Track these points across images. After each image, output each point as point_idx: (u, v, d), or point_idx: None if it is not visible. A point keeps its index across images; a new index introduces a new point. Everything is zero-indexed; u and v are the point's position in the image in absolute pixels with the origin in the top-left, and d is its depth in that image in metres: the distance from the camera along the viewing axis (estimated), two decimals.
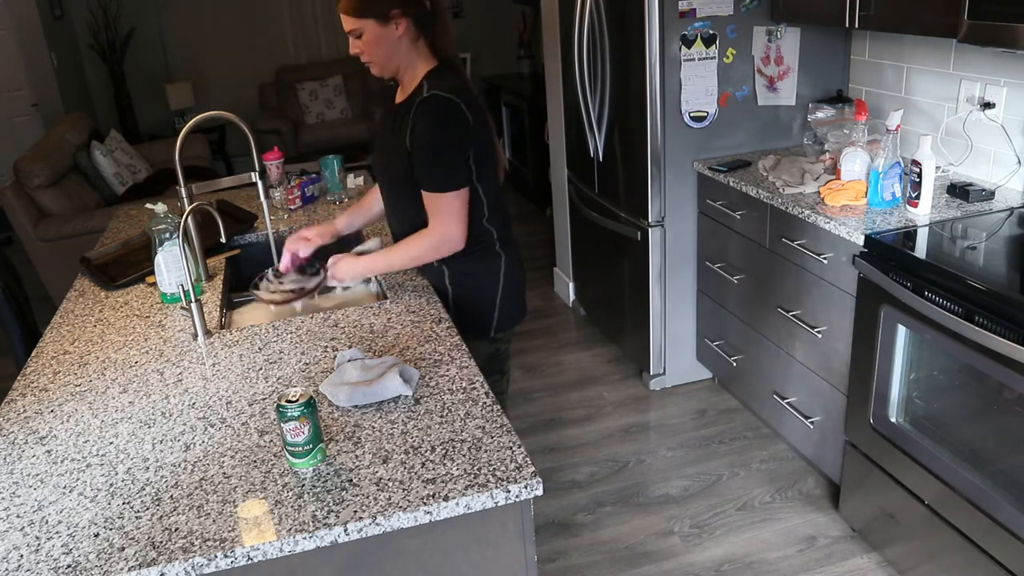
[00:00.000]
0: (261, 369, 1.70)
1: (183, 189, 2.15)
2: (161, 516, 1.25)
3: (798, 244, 2.52)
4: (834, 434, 2.52)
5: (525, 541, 1.33)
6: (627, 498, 2.73)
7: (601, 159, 3.42)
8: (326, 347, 1.77)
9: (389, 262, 1.99)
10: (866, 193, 2.42)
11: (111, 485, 1.34)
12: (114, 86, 6.89)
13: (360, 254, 2.05)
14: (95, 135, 5.04)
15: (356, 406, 1.51)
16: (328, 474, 1.32)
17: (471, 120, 1.83)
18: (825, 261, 2.40)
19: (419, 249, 1.92)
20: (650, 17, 2.82)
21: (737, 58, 2.94)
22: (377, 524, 1.21)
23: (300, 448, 1.32)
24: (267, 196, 2.28)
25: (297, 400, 1.31)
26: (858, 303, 2.27)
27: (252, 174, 2.21)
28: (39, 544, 1.21)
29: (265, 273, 2.12)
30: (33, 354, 1.86)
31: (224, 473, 1.35)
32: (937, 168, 2.54)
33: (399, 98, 1.95)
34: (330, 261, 2.03)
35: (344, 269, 2.01)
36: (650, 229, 3.11)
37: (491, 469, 1.30)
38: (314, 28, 7.31)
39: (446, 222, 1.86)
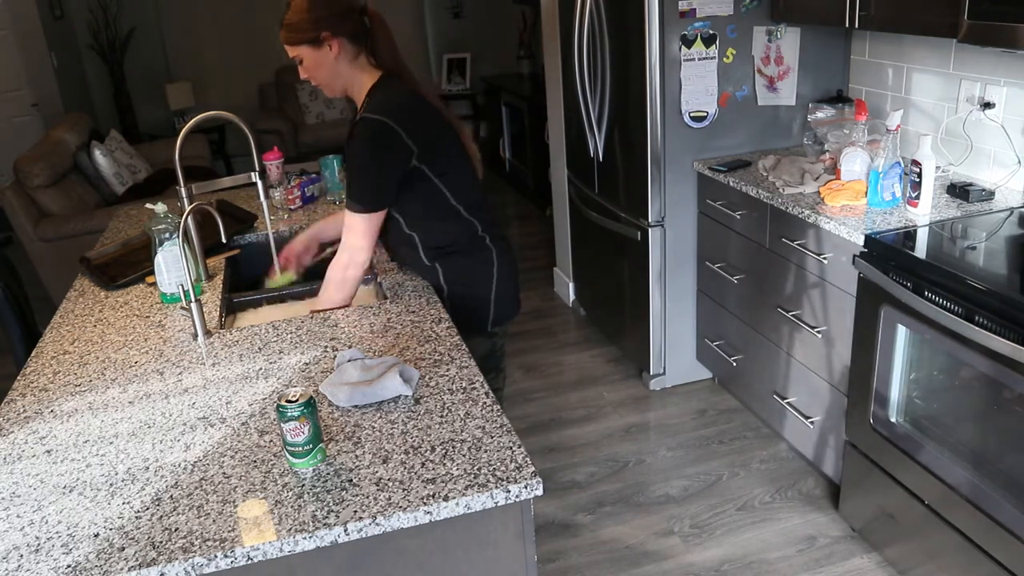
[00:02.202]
0: (261, 369, 1.70)
1: (183, 189, 2.15)
2: (161, 516, 1.25)
3: (798, 244, 2.52)
4: (834, 434, 2.52)
5: (525, 541, 1.33)
6: (627, 498, 2.73)
7: (601, 159, 3.42)
8: (326, 347, 1.77)
9: (328, 300, 1.97)
10: (866, 193, 2.42)
11: (111, 485, 1.34)
12: (114, 86, 6.89)
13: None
14: (95, 135, 5.04)
15: (356, 406, 1.51)
16: (328, 474, 1.32)
17: (406, 139, 1.83)
18: (825, 261, 2.40)
19: (333, 272, 1.94)
20: (650, 17, 2.82)
21: (737, 58, 2.94)
22: (377, 524, 1.21)
23: (300, 448, 1.32)
24: (267, 196, 2.28)
25: (297, 400, 1.31)
26: (858, 303, 2.27)
27: (252, 174, 2.21)
28: (39, 544, 1.21)
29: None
30: (33, 354, 1.86)
31: (224, 473, 1.35)
32: (937, 168, 2.54)
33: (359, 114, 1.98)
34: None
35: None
36: (650, 229, 3.11)
37: (491, 469, 1.30)
38: None
39: (354, 240, 1.90)
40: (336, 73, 1.90)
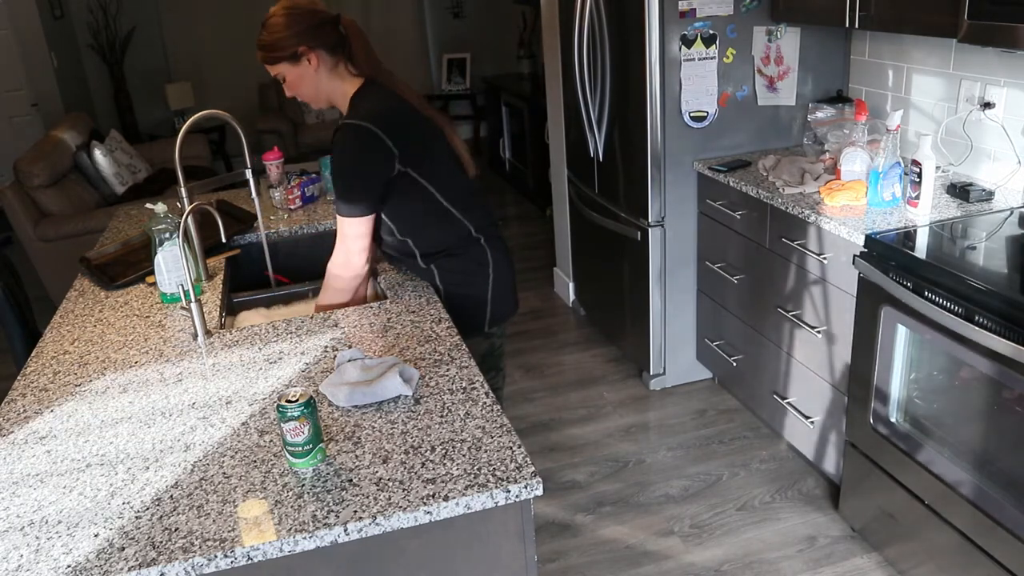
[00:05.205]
0: (261, 369, 1.70)
1: (183, 189, 2.16)
2: (161, 516, 1.25)
3: (798, 244, 2.52)
4: (834, 434, 2.52)
5: (525, 541, 1.33)
6: (627, 498, 2.73)
7: (601, 159, 3.42)
8: (326, 347, 1.77)
9: (329, 302, 2.01)
10: (866, 193, 2.42)
11: (111, 485, 1.34)
12: (114, 86, 6.89)
13: None
14: (95, 135, 5.04)
15: (356, 406, 1.51)
16: (328, 474, 1.32)
17: (388, 142, 1.84)
18: (825, 261, 2.40)
19: (329, 278, 1.98)
20: (650, 17, 2.82)
21: (737, 58, 2.94)
22: (377, 524, 1.21)
23: (300, 448, 1.32)
24: (258, 194, 2.28)
25: (297, 400, 1.31)
26: (858, 303, 2.27)
27: (246, 171, 2.22)
28: (39, 544, 1.21)
29: None
30: (33, 354, 1.86)
31: (224, 473, 1.35)
32: (937, 168, 2.54)
33: None
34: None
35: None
36: (650, 229, 3.11)
37: (491, 469, 1.30)
38: None
39: (346, 245, 1.92)
40: (318, 86, 1.91)
